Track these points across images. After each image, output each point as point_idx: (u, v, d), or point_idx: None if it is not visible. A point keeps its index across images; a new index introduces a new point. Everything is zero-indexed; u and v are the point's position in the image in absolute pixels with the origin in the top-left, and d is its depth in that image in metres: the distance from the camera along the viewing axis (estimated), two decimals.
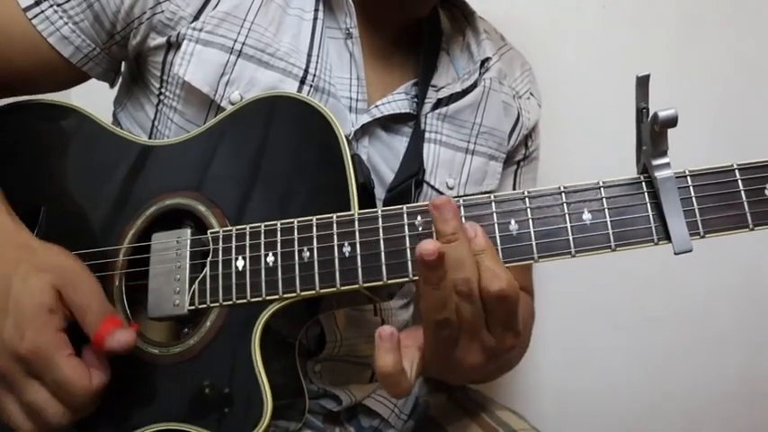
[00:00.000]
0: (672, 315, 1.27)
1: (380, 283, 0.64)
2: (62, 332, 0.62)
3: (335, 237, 0.65)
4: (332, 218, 0.66)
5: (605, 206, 0.60)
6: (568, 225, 0.60)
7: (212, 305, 0.68)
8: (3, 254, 0.66)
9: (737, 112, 1.29)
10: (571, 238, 0.60)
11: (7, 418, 0.63)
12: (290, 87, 0.77)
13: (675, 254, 0.57)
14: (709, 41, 1.29)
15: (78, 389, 0.61)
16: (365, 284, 0.64)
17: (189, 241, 0.71)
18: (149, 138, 0.83)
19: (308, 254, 0.66)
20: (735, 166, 0.59)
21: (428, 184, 0.84)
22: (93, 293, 0.65)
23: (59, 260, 0.66)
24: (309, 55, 0.79)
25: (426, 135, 0.84)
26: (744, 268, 1.28)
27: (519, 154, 0.96)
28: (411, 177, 0.80)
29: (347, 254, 0.65)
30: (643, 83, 0.57)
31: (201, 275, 0.69)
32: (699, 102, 1.26)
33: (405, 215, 0.64)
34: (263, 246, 0.67)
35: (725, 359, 1.30)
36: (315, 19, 0.81)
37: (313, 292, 0.65)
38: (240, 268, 0.68)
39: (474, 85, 0.88)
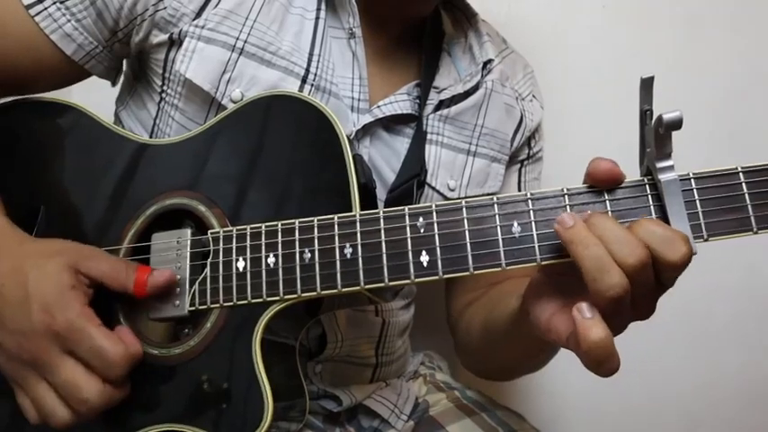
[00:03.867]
0: (671, 315, 1.26)
1: (382, 284, 0.63)
2: (88, 306, 0.64)
3: (337, 238, 0.65)
4: (333, 219, 0.66)
5: (609, 208, 0.59)
6: None
7: (213, 306, 0.68)
8: (6, 249, 0.67)
9: (738, 112, 1.29)
10: None
11: (42, 408, 0.63)
12: (291, 86, 0.77)
13: None
14: (709, 41, 1.29)
15: (116, 356, 0.62)
16: (367, 286, 0.64)
17: (189, 241, 0.71)
18: (151, 136, 0.83)
19: (309, 255, 0.65)
20: (739, 169, 0.58)
21: (429, 185, 0.84)
22: (110, 257, 0.68)
23: (62, 244, 0.68)
24: (311, 54, 0.79)
25: (428, 136, 0.84)
26: (743, 268, 1.29)
27: (522, 154, 0.96)
28: (413, 178, 0.80)
29: (349, 255, 0.64)
30: (647, 85, 0.57)
31: (202, 276, 0.69)
32: (699, 102, 1.26)
33: (407, 216, 0.64)
34: (263, 246, 0.67)
35: (724, 359, 1.30)
36: (317, 18, 0.80)
37: (314, 293, 0.65)
38: (241, 269, 0.67)
39: (476, 87, 0.88)
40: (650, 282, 0.56)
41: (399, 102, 0.83)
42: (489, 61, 0.89)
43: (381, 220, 0.64)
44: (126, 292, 0.66)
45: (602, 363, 0.56)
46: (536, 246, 0.60)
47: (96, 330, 0.63)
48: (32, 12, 0.77)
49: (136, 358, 0.64)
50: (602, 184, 0.60)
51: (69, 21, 0.78)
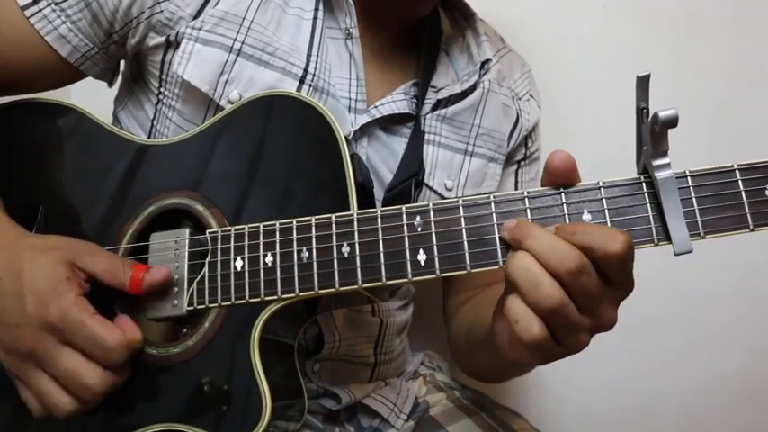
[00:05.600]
0: (672, 315, 1.27)
1: (379, 283, 0.63)
2: (83, 297, 0.64)
3: (334, 237, 0.65)
4: (331, 218, 0.66)
5: (605, 206, 0.60)
6: None
7: (211, 305, 0.68)
8: (4, 244, 0.68)
9: (737, 112, 1.29)
10: None
11: (44, 399, 0.64)
12: (289, 87, 0.77)
13: (676, 254, 0.57)
14: (709, 41, 1.29)
15: (113, 342, 0.63)
16: (364, 285, 0.64)
17: (187, 241, 0.71)
18: (148, 137, 0.83)
19: (306, 254, 0.65)
20: (735, 167, 0.58)
21: (427, 185, 0.84)
22: (107, 253, 0.69)
23: (59, 239, 0.69)
24: (309, 54, 0.79)
25: (426, 136, 0.84)
26: (743, 269, 1.28)
27: (519, 154, 0.96)
28: (410, 178, 0.80)
29: (346, 254, 0.64)
30: (643, 83, 0.57)
31: (200, 276, 0.69)
32: (699, 102, 1.26)
33: (404, 215, 0.64)
34: (261, 246, 0.67)
35: (724, 359, 1.30)
36: (314, 18, 0.80)
37: (312, 292, 0.65)
38: (239, 268, 0.67)
39: (473, 87, 0.88)
40: (593, 286, 0.55)
41: (397, 102, 0.83)
42: (487, 61, 0.89)
43: (379, 219, 0.64)
44: (122, 289, 0.67)
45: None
46: None
47: (91, 319, 0.63)
48: (28, 13, 0.77)
49: (135, 344, 0.65)
50: (561, 177, 0.60)
51: (64, 22, 0.78)
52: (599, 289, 0.55)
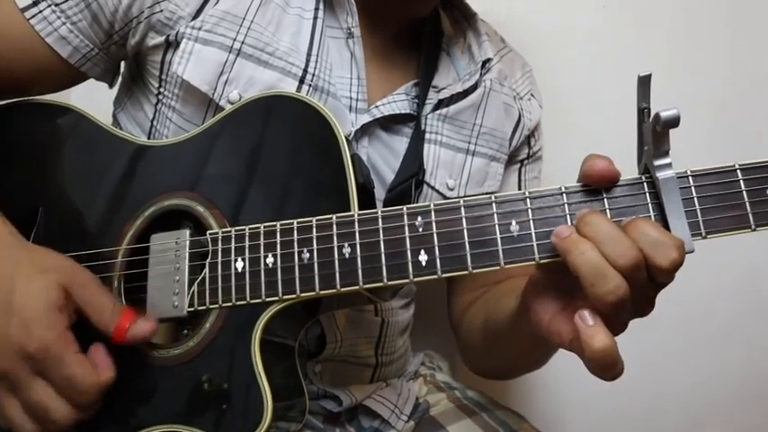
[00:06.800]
0: (672, 315, 1.26)
1: (381, 284, 0.63)
2: (69, 330, 0.63)
3: (335, 238, 0.65)
4: (332, 218, 0.66)
5: (607, 206, 0.59)
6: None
7: (211, 306, 0.68)
8: (2, 254, 0.65)
9: (737, 111, 1.29)
10: None
11: (9, 421, 0.63)
12: (289, 87, 0.77)
13: None
14: (709, 41, 1.29)
15: (87, 385, 0.61)
16: (365, 286, 0.63)
17: (188, 242, 0.71)
18: (148, 137, 0.83)
19: (307, 255, 0.65)
20: (737, 167, 0.58)
21: (428, 184, 0.84)
22: (103, 290, 0.66)
23: (60, 260, 0.66)
24: (309, 54, 0.79)
25: (426, 136, 0.84)
26: (744, 268, 1.28)
27: (522, 153, 0.96)
28: (411, 177, 0.80)
29: (347, 255, 0.64)
30: (644, 83, 0.57)
31: (201, 277, 0.69)
32: (699, 101, 1.26)
33: (405, 216, 0.63)
34: (262, 247, 0.67)
35: (725, 359, 1.29)
36: (315, 18, 0.80)
37: (313, 293, 0.65)
38: (239, 269, 0.67)
39: (475, 87, 0.88)
40: (645, 281, 0.56)
41: (398, 101, 0.83)
42: (488, 60, 0.89)
43: (380, 220, 0.64)
44: (105, 332, 0.64)
45: (607, 369, 0.56)
46: (534, 244, 0.60)
47: (73, 358, 0.61)
48: (28, 14, 0.77)
49: (107, 385, 0.63)
50: (597, 183, 0.59)
51: (64, 23, 0.78)
52: (647, 284, 0.56)
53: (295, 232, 0.66)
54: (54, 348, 0.61)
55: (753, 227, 0.57)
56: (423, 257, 0.62)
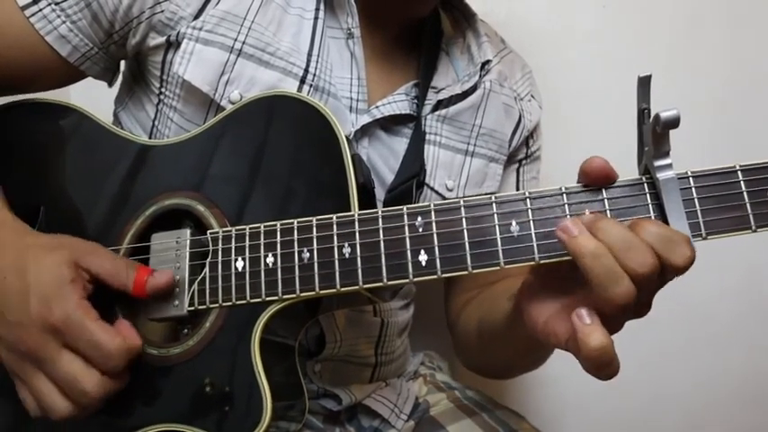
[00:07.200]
0: (672, 315, 1.26)
1: (381, 284, 0.63)
2: (86, 299, 0.64)
3: (335, 237, 0.65)
4: (332, 218, 0.66)
5: (607, 207, 0.59)
6: None
7: (212, 306, 0.68)
8: (9, 242, 0.67)
9: (737, 112, 1.29)
10: None
11: (41, 399, 0.63)
12: (289, 87, 0.77)
13: None
14: (709, 42, 1.29)
15: (113, 348, 0.62)
16: (365, 285, 0.63)
17: (188, 242, 0.71)
18: (149, 137, 0.83)
19: (307, 255, 0.65)
20: (737, 168, 0.58)
21: (428, 185, 0.84)
22: (112, 254, 0.68)
23: (65, 239, 0.69)
24: (310, 54, 0.79)
25: (426, 136, 0.84)
26: (744, 268, 1.28)
27: (521, 153, 0.96)
28: (412, 178, 0.80)
29: (347, 255, 0.64)
30: (644, 83, 0.57)
31: (201, 276, 0.69)
32: (699, 102, 1.26)
33: (405, 216, 0.63)
34: (262, 246, 0.67)
35: (725, 359, 1.30)
36: (315, 18, 0.80)
37: (313, 293, 0.65)
38: (240, 269, 0.67)
39: (474, 88, 0.88)
40: (654, 284, 0.56)
41: (398, 102, 0.83)
42: (487, 62, 0.89)
43: (380, 220, 0.64)
44: (125, 290, 0.66)
45: (603, 368, 0.56)
46: (534, 245, 0.60)
47: (93, 324, 0.63)
48: (27, 13, 0.77)
49: (134, 350, 0.65)
50: (595, 181, 0.60)
51: (64, 22, 0.78)
52: (656, 287, 0.57)
53: (295, 232, 0.66)
54: (74, 315, 0.62)
55: (753, 228, 0.57)
56: (423, 257, 0.62)
